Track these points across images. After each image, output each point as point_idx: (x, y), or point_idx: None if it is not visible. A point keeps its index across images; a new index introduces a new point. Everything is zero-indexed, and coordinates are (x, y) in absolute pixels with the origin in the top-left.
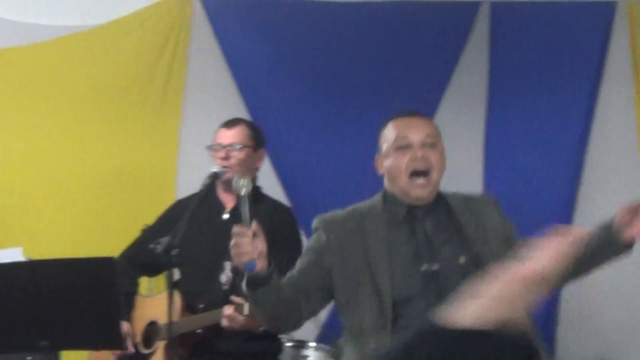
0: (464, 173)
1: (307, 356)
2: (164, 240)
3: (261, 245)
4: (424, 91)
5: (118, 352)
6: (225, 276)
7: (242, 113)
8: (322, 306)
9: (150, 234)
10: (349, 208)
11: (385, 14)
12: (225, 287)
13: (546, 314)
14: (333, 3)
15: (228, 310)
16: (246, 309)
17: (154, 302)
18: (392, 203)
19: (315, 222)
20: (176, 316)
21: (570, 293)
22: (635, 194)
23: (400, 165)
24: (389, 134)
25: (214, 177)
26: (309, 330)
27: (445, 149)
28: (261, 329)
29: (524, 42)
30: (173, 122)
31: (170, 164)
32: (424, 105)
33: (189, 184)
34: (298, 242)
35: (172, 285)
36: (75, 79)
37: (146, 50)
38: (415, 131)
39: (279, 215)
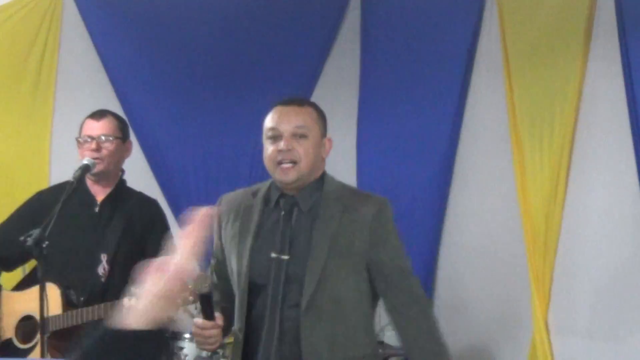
0: (338, 162)
1: (182, 347)
2: (35, 232)
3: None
4: (297, 80)
5: None
6: (102, 268)
7: (114, 105)
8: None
9: (9, 225)
10: (248, 187)
11: (257, 3)
12: (103, 279)
13: None
14: None
15: (129, 302)
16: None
17: (26, 296)
18: (273, 188)
19: (219, 200)
20: (57, 309)
21: (443, 286)
22: (504, 186)
23: (269, 155)
24: (266, 122)
25: (85, 169)
26: (183, 321)
27: (316, 140)
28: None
29: (396, 29)
30: (45, 115)
31: (43, 156)
32: (297, 93)
33: (62, 176)
34: (167, 234)
35: (44, 279)
36: None
37: (17, 42)
38: (286, 121)
39: (146, 209)
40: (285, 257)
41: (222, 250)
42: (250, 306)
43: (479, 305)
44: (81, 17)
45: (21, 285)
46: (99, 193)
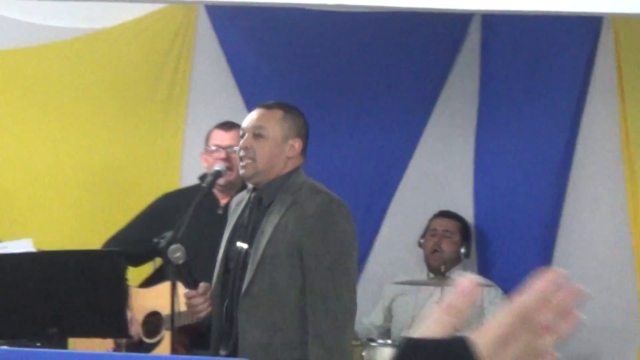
0: (454, 182)
1: None
2: (168, 234)
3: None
4: (417, 101)
5: (116, 340)
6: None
7: (243, 116)
8: None
9: (137, 225)
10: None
11: (381, 23)
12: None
13: None
14: (332, 13)
15: None
16: None
17: (152, 293)
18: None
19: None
20: (183, 307)
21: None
22: (617, 208)
23: (238, 154)
24: None
25: (217, 174)
26: None
27: (274, 140)
28: None
29: (514, 54)
30: (178, 123)
31: (175, 162)
32: (416, 114)
33: (192, 181)
34: None
35: (175, 277)
36: (84, 79)
37: (152, 53)
38: (248, 121)
39: None
40: (245, 246)
41: None
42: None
43: (589, 317)
44: (214, 30)
45: (146, 283)
46: (222, 198)
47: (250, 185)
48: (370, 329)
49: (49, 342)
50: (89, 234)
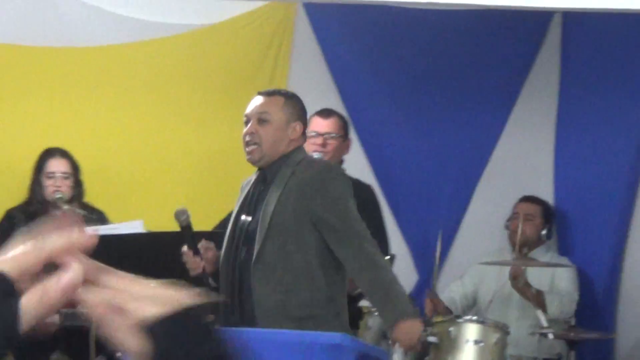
0: (536, 169)
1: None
2: None
3: (206, 260)
4: (499, 95)
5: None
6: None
7: (340, 108)
8: None
9: None
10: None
11: (465, 21)
12: None
13: (607, 290)
14: (422, 11)
15: None
16: None
17: None
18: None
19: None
20: None
21: (632, 268)
22: None
23: (242, 137)
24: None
25: None
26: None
27: (278, 124)
28: (356, 292)
29: (594, 51)
30: None
31: None
32: (498, 108)
33: None
34: (378, 216)
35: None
36: (193, 71)
37: (254, 48)
38: (252, 108)
39: (362, 191)
40: (249, 218)
41: None
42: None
43: None
44: (312, 27)
45: None
46: None
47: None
48: (459, 302)
49: None
50: (198, 215)
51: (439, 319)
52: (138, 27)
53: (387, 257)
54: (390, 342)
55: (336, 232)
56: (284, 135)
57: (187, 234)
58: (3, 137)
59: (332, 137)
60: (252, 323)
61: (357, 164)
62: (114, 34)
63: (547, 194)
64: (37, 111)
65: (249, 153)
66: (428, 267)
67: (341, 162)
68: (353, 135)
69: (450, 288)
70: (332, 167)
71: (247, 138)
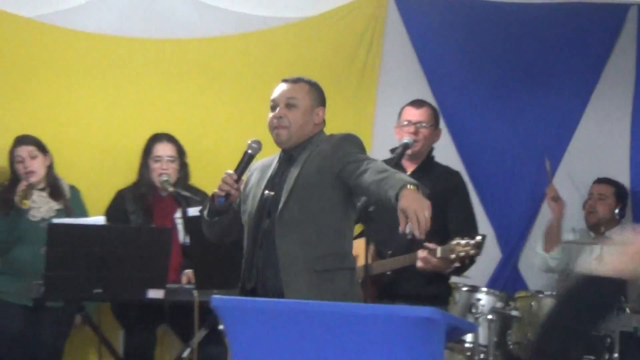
0: (613, 153)
1: (479, 299)
2: (362, 199)
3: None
4: (578, 83)
5: None
6: (409, 227)
7: (429, 97)
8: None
9: None
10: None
11: (545, 13)
12: (409, 236)
13: None
14: (506, 3)
15: (423, 253)
16: (439, 252)
17: None
18: (282, 149)
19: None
20: (370, 260)
21: None
22: None
23: (269, 121)
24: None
25: (405, 147)
26: (480, 277)
27: (305, 109)
28: (448, 270)
29: None
30: (369, 102)
31: (366, 135)
32: (577, 95)
33: (381, 152)
34: (467, 200)
35: (369, 235)
36: (286, 62)
37: (346, 41)
38: (281, 94)
39: (450, 178)
40: (272, 193)
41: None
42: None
43: None
44: (402, 19)
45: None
46: (408, 166)
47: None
48: (549, 265)
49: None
50: None
51: (522, 294)
52: (239, 20)
53: (479, 237)
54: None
55: (355, 163)
56: (309, 119)
57: (245, 161)
58: (115, 124)
59: (424, 126)
60: (275, 281)
61: (446, 152)
62: (216, 26)
63: (624, 176)
64: (145, 99)
65: (277, 135)
66: (511, 246)
67: (431, 150)
68: (442, 124)
69: (552, 254)
70: (352, 134)
71: (276, 122)
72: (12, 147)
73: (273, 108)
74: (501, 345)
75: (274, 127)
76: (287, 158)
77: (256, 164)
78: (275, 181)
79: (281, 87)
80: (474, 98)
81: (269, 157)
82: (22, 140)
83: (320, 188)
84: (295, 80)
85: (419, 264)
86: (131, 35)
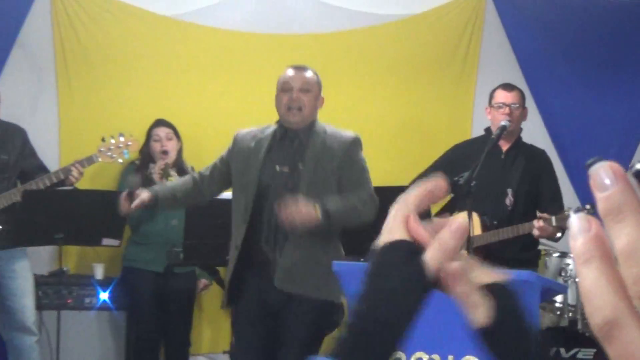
0: None
1: (568, 264)
2: (465, 174)
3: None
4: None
5: None
6: (508, 200)
7: (521, 82)
8: (220, 190)
9: (436, 167)
10: (258, 126)
11: (600, 11)
12: (509, 208)
13: None
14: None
15: (539, 223)
16: (554, 221)
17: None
18: (280, 126)
19: (234, 136)
20: (478, 231)
21: None
22: None
23: (283, 102)
24: (281, 79)
25: (503, 128)
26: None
27: (315, 94)
28: (556, 237)
29: None
30: (469, 91)
31: (466, 120)
32: None
33: (479, 133)
34: (555, 176)
35: (470, 208)
36: (397, 54)
37: (448, 36)
38: (297, 79)
39: (538, 157)
40: (286, 170)
41: (228, 165)
42: (253, 209)
43: None
44: (499, 16)
45: (440, 213)
46: (503, 145)
47: (266, 127)
48: None
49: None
50: (398, 172)
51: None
52: (352, 17)
53: (588, 206)
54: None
55: (353, 177)
56: (317, 104)
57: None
58: (241, 112)
59: (516, 107)
60: (283, 246)
61: (535, 130)
62: (331, 22)
63: None
64: (267, 89)
65: (293, 115)
66: (596, 216)
67: (520, 129)
68: (533, 106)
69: None
70: (360, 139)
71: (293, 104)
72: (151, 127)
73: (286, 91)
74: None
75: (288, 108)
76: (292, 136)
77: (242, 133)
78: (284, 158)
79: (294, 73)
80: (564, 83)
81: (255, 129)
82: (162, 122)
83: (330, 185)
84: (306, 68)
85: (536, 232)
86: (258, 31)
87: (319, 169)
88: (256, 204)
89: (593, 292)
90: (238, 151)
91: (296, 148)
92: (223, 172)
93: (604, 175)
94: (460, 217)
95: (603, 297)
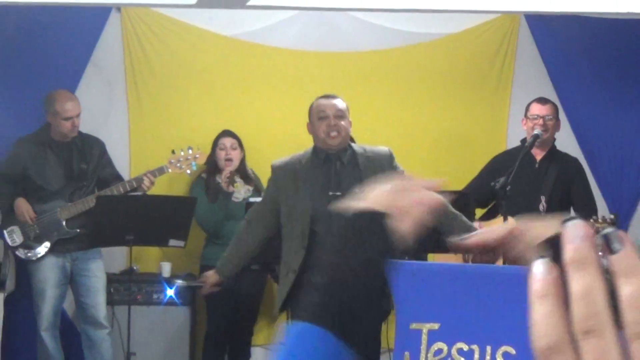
0: None
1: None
2: (501, 180)
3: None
4: None
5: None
6: (542, 206)
7: (553, 96)
8: (274, 230)
9: (480, 176)
10: (292, 155)
11: (624, 30)
12: (543, 214)
13: None
14: (618, 20)
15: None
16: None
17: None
18: (317, 151)
19: (271, 167)
20: None
21: None
22: None
23: (322, 128)
24: (316, 107)
25: (536, 137)
26: None
27: (348, 119)
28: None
29: None
30: (504, 105)
31: (501, 132)
32: None
33: (514, 145)
34: (587, 182)
35: (505, 211)
36: (435, 71)
37: (484, 54)
38: (331, 107)
39: (572, 164)
40: (339, 193)
41: (275, 202)
42: (310, 235)
43: None
44: (532, 35)
45: (482, 218)
46: (537, 154)
47: (302, 155)
48: None
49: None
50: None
51: None
52: (392, 35)
53: (612, 216)
54: None
55: None
56: (349, 127)
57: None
58: (293, 122)
59: (550, 119)
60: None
61: (567, 141)
62: (373, 41)
63: None
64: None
65: (332, 139)
66: (621, 219)
67: (554, 139)
68: (564, 120)
69: None
70: (391, 150)
71: (334, 129)
72: (218, 137)
73: (323, 118)
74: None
75: (327, 134)
76: (334, 159)
77: (277, 163)
78: (334, 181)
79: (327, 101)
80: (593, 97)
81: (288, 158)
82: (227, 132)
83: None
84: (335, 97)
85: None
86: (307, 49)
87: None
88: (312, 231)
89: (543, 321)
90: (283, 180)
91: (344, 170)
92: (271, 206)
93: (578, 231)
94: (496, 223)
95: (550, 326)
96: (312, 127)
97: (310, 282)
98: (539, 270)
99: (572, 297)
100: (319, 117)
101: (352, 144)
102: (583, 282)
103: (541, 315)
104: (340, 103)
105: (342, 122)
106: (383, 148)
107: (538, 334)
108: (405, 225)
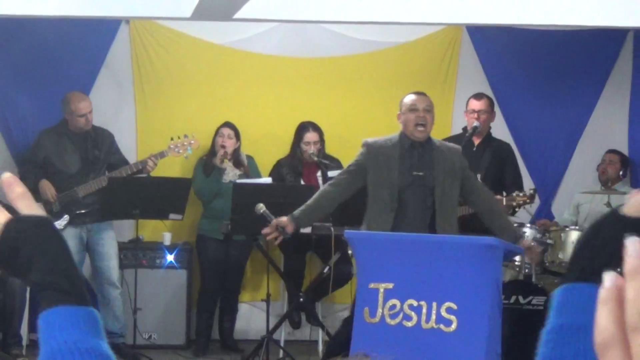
0: (615, 135)
1: (525, 232)
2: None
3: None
4: (579, 102)
5: None
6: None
7: (489, 92)
8: (352, 193)
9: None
10: (382, 137)
11: (549, 39)
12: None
13: None
14: (542, 31)
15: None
16: (504, 200)
17: None
18: (404, 138)
19: (362, 143)
20: None
21: None
22: None
23: (412, 120)
24: (407, 101)
25: (475, 129)
26: (526, 216)
27: (434, 113)
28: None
29: None
30: (448, 103)
31: (447, 122)
32: (588, 96)
33: (456, 131)
34: (517, 164)
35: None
36: (388, 76)
37: (430, 63)
38: (422, 102)
39: (505, 148)
40: (421, 173)
41: (363, 173)
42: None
43: None
44: (473, 46)
45: None
46: (476, 140)
47: (390, 138)
48: (566, 219)
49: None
50: None
51: (554, 228)
52: (358, 44)
53: (532, 190)
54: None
55: (469, 179)
56: (433, 121)
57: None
58: (277, 116)
59: (484, 112)
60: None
61: (501, 129)
62: (342, 48)
63: (624, 148)
64: (294, 100)
65: (420, 131)
66: (546, 195)
67: (489, 128)
68: (499, 113)
69: (564, 216)
70: (460, 150)
71: (421, 121)
72: (220, 126)
73: (413, 111)
74: (540, 263)
75: (416, 125)
76: (419, 146)
77: (370, 141)
78: (416, 164)
79: (418, 96)
80: (524, 95)
81: (380, 139)
82: (228, 124)
83: (455, 185)
84: (425, 93)
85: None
86: (286, 55)
87: (447, 173)
88: (399, 198)
89: (601, 322)
90: (375, 155)
91: (424, 156)
92: (358, 174)
93: (636, 247)
94: None
95: (606, 325)
96: (403, 117)
97: None
98: (606, 281)
99: (627, 301)
100: (410, 109)
101: (432, 138)
102: (634, 288)
103: (600, 317)
104: (429, 99)
105: (429, 116)
106: (455, 146)
107: (597, 331)
108: None
